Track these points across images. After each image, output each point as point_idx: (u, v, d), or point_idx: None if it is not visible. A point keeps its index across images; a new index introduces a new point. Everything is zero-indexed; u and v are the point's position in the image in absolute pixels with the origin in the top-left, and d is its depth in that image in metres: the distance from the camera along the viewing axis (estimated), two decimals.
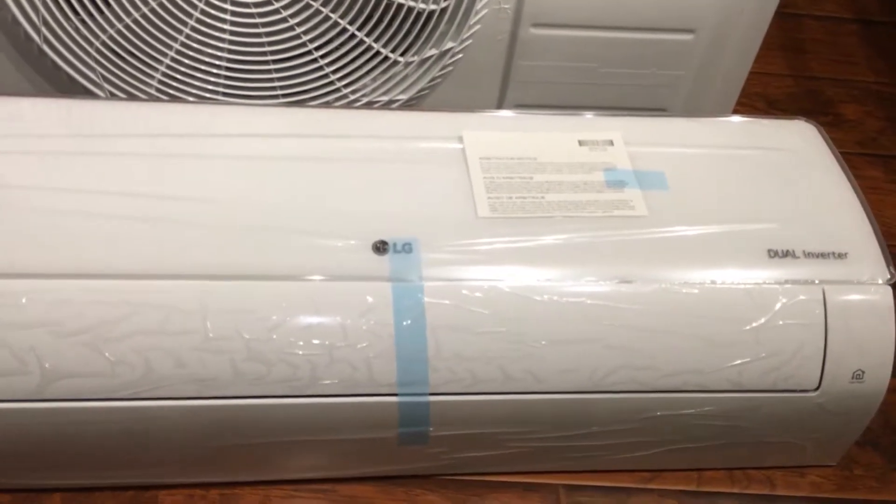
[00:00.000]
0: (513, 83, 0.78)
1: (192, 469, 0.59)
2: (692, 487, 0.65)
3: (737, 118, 0.72)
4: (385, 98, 0.76)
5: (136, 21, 0.68)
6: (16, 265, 0.53)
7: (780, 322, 0.58)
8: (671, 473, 0.65)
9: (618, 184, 0.63)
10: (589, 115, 0.69)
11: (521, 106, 0.80)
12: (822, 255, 0.60)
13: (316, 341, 0.54)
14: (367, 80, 0.75)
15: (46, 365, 0.51)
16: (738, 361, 0.58)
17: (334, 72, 0.74)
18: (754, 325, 0.58)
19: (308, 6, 0.69)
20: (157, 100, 0.72)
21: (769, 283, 0.59)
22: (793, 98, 1.05)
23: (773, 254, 0.60)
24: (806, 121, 0.71)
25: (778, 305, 0.59)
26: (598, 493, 0.64)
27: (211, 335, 0.53)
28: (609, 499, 0.64)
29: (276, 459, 0.59)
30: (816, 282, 0.59)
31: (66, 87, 0.72)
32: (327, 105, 0.74)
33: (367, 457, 0.60)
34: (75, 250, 0.54)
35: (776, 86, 1.06)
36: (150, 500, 0.60)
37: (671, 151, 0.66)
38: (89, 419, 0.53)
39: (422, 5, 0.70)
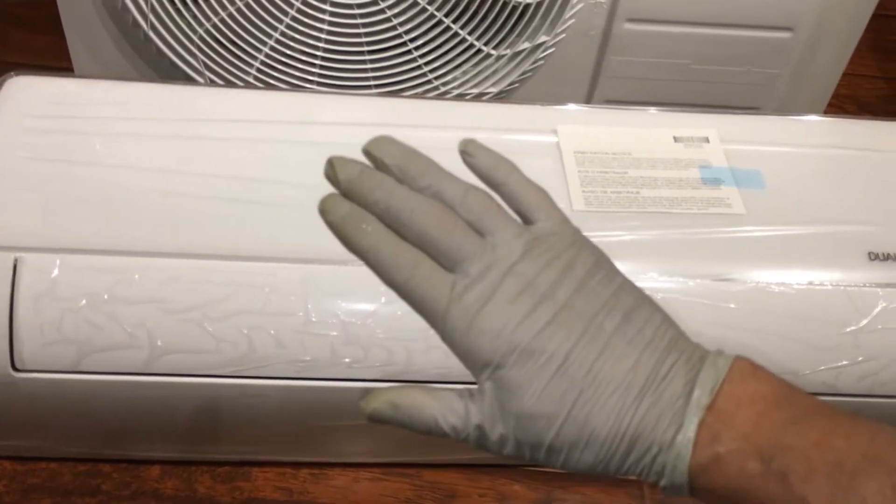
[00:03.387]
0: (603, 78, 0.78)
1: (285, 448, 0.61)
2: None
3: (833, 118, 0.71)
4: (475, 91, 0.76)
5: (238, 10, 0.70)
6: (129, 243, 0.54)
7: (880, 326, 0.57)
8: None
9: (714, 181, 0.62)
10: (683, 112, 0.69)
11: (610, 101, 0.80)
12: None
13: (412, 327, 0.55)
14: (458, 72, 0.76)
15: (157, 341, 0.53)
16: (835, 364, 0.57)
17: (427, 63, 0.74)
18: (853, 328, 0.57)
19: (414, 4, 0.70)
20: (256, 87, 0.73)
21: (869, 286, 0.58)
22: (884, 100, 1.02)
23: (874, 256, 0.59)
24: None
25: (877, 309, 0.57)
26: None
27: (312, 318, 0.54)
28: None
29: (365, 442, 0.61)
30: None
31: (168, 73, 0.74)
32: (420, 96, 0.75)
33: (455, 444, 0.61)
34: (184, 231, 0.56)
35: (867, 88, 1.04)
36: (243, 475, 0.61)
37: (768, 150, 0.65)
38: (192, 394, 0.55)
39: None
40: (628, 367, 0.31)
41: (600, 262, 0.34)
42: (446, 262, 0.33)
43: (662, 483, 0.32)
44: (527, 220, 0.35)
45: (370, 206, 0.33)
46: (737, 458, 0.30)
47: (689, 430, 0.30)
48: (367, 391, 0.34)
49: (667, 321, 0.34)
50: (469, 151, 0.37)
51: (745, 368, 0.32)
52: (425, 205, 0.33)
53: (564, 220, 0.35)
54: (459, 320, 0.32)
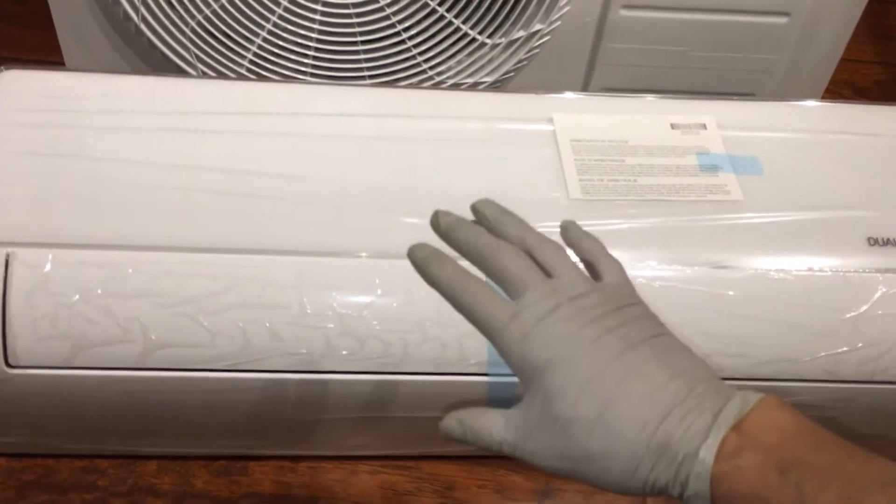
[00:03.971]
0: (599, 66, 0.77)
1: (283, 441, 0.60)
2: None
3: (831, 103, 0.71)
4: (470, 80, 0.76)
5: (230, 1, 0.70)
6: (122, 237, 0.54)
7: (880, 311, 0.57)
8: None
9: (712, 168, 0.62)
10: (680, 99, 0.68)
11: (606, 89, 0.79)
12: None
13: (408, 319, 0.55)
14: (452, 62, 0.75)
15: (151, 335, 0.52)
16: (835, 351, 0.57)
17: (421, 53, 0.74)
18: (852, 313, 0.57)
19: None
20: (249, 79, 0.73)
21: (869, 272, 0.58)
22: (881, 86, 1.02)
23: (874, 241, 0.59)
24: None
25: (877, 294, 0.57)
26: None
27: (307, 310, 0.54)
28: None
29: (363, 435, 0.60)
30: None
31: (160, 65, 0.74)
32: (415, 86, 0.75)
33: None
34: (178, 224, 0.55)
35: (864, 73, 1.03)
36: (240, 470, 0.61)
37: (765, 136, 0.65)
38: (188, 388, 0.54)
39: None
40: (659, 386, 0.35)
41: (649, 314, 0.39)
42: (513, 293, 0.38)
43: (686, 494, 0.34)
44: (596, 278, 0.40)
45: (459, 246, 0.40)
46: (757, 468, 0.32)
47: (714, 442, 0.33)
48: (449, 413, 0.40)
49: (704, 366, 0.37)
50: (566, 227, 0.43)
51: (774, 402, 0.35)
52: (504, 246, 0.39)
53: (624, 281, 0.40)
54: (515, 333, 0.36)
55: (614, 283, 0.39)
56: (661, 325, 0.38)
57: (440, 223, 0.40)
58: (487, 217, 0.41)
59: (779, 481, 0.32)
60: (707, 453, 0.33)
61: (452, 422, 0.39)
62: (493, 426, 0.37)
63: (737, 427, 0.33)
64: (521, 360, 0.36)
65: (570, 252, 0.41)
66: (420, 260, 0.39)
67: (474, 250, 0.39)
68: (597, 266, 0.41)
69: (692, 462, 0.33)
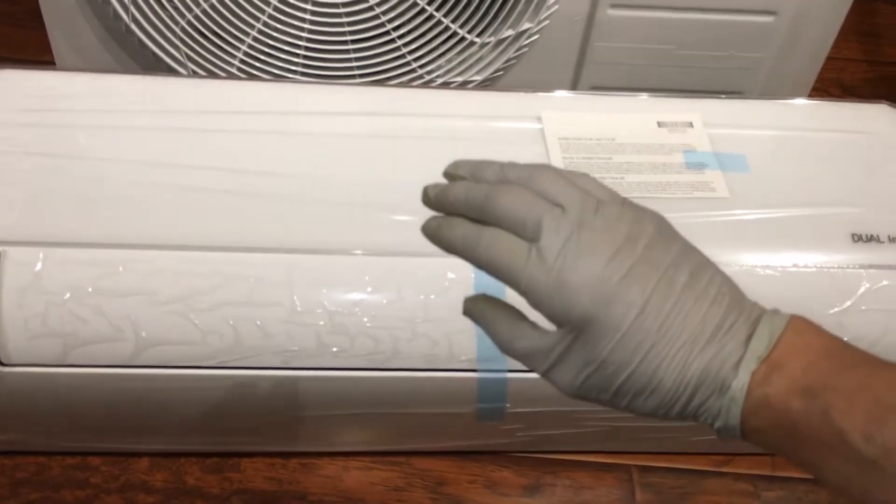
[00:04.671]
0: (588, 65, 0.78)
1: (274, 438, 0.61)
2: (766, 472, 0.65)
3: (817, 101, 0.71)
4: (459, 79, 0.76)
5: (220, 0, 0.70)
6: (113, 236, 0.54)
7: (864, 307, 0.58)
8: (745, 457, 0.65)
9: (698, 165, 0.62)
10: (667, 97, 0.69)
11: (595, 88, 0.80)
12: None
13: (398, 316, 0.55)
14: (442, 61, 0.76)
15: (141, 333, 0.53)
16: None
17: (411, 52, 0.74)
18: (836, 309, 0.58)
19: None
20: (240, 78, 0.73)
21: (853, 268, 0.58)
22: (868, 83, 1.03)
23: (857, 238, 0.59)
24: (888, 104, 0.70)
25: (861, 290, 0.58)
26: (672, 475, 0.64)
27: (298, 308, 0.54)
28: (682, 481, 0.64)
29: (354, 431, 0.61)
30: None
31: (150, 64, 0.74)
32: (404, 85, 0.75)
33: (443, 431, 0.61)
34: (169, 222, 0.55)
35: (851, 71, 1.04)
36: (232, 466, 0.61)
37: (752, 134, 0.66)
38: (179, 386, 0.55)
39: None
40: (696, 323, 0.34)
41: (662, 222, 0.37)
42: (525, 232, 0.35)
43: (717, 425, 0.34)
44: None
45: (454, 207, 0.37)
46: (783, 397, 0.33)
47: (744, 377, 0.33)
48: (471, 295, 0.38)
49: (727, 281, 0.36)
50: (507, 172, 0.39)
51: (800, 325, 0.35)
52: (495, 187, 0.36)
53: (616, 192, 0.38)
54: (539, 278, 0.34)
55: (607, 197, 0.37)
56: (672, 228, 0.37)
57: (430, 196, 0.38)
58: (464, 174, 0.39)
59: (805, 408, 0.32)
60: (738, 389, 0.33)
61: (474, 306, 0.38)
62: (522, 336, 0.36)
63: (767, 357, 0.33)
64: (552, 306, 0.34)
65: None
66: (433, 230, 0.38)
67: (470, 204, 0.37)
68: (576, 184, 0.38)
69: (723, 398, 0.33)
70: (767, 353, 0.33)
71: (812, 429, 0.32)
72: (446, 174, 0.39)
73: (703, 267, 0.35)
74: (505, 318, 0.37)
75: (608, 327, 0.33)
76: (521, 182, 0.36)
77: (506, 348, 0.37)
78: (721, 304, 0.34)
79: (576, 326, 0.34)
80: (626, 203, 0.37)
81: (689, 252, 0.36)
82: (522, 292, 0.35)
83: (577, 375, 0.35)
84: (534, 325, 0.36)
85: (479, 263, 0.36)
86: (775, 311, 0.35)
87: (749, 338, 0.34)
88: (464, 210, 0.37)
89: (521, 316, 0.37)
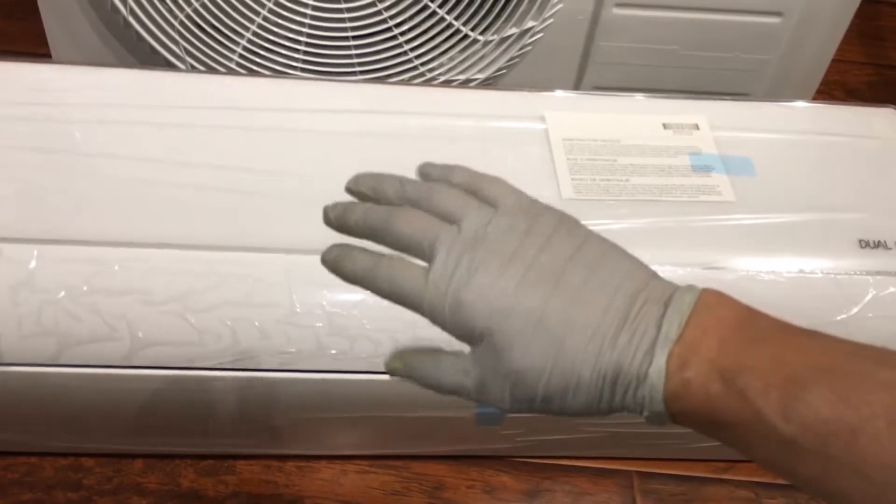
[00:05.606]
0: (591, 64, 0.77)
1: (271, 441, 0.60)
2: (767, 479, 0.64)
3: (823, 104, 0.71)
4: (462, 77, 0.75)
5: None
6: (109, 234, 0.53)
7: (870, 314, 0.57)
8: (746, 464, 0.64)
9: (704, 168, 0.62)
10: (673, 98, 0.68)
11: (598, 88, 0.79)
12: None
13: (398, 318, 0.54)
14: (444, 58, 0.75)
15: (138, 333, 0.52)
16: None
17: (413, 49, 0.73)
18: (843, 316, 0.57)
19: None
20: (239, 73, 0.72)
21: (860, 274, 0.58)
22: (872, 87, 1.02)
23: (865, 244, 0.59)
24: (895, 109, 0.69)
25: (868, 297, 0.57)
26: (672, 482, 0.63)
27: (297, 308, 0.53)
28: (683, 487, 0.63)
29: (352, 434, 0.60)
30: None
31: (148, 59, 0.73)
32: (406, 82, 0.74)
33: (442, 435, 0.60)
34: (165, 220, 0.54)
35: (855, 74, 1.03)
36: (228, 469, 0.60)
37: (758, 137, 0.65)
38: (175, 387, 0.54)
39: None
40: (602, 312, 0.34)
41: (562, 220, 0.37)
42: (422, 255, 0.36)
43: (645, 414, 0.34)
44: (490, 205, 0.38)
45: (354, 231, 0.38)
46: (702, 382, 0.32)
47: (660, 361, 0.33)
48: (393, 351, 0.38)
49: (635, 266, 0.36)
50: (425, 172, 0.40)
51: (711, 299, 0.34)
52: (393, 211, 0.37)
53: (521, 196, 0.38)
54: (437, 301, 0.35)
55: (511, 204, 0.37)
56: (576, 225, 0.37)
57: (330, 217, 0.39)
58: (365, 192, 0.39)
59: (724, 392, 0.32)
60: (656, 374, 0.33)
61: (396, 363, 0.37)
62: (447, 374, 0.36)
63: (680, 339, 0.33)
64: (454, 328, 0.35)
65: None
66: (332, 263, 0.38)
67: (369, 228, 0.37)
68: (480, 191, 0.38)
69: (644, 386, 0.33)
70: (679, 333, 0.33)
71: (733, 412, 0.32)
72: (348, 190, 0.39)
73: (605, 256, 0.35)
74: (426, 362, 0.37)
75: (511, 337, 0.34)
76: (419, 201, 0.37)
77: (440, 391, 0.36)
78: (627, 292, 0.34)
79: (483, 343, 0.34)
80: (528, 208, 0.37)
81: (590, 244, 0.36)
82: (427, 317, 0.36)
83: (502, 391, 0.35)
84: (456, 354, 0.36)
85: (382, 294, 0.36)
86: (688, 288, 0.35)
87: (660, 320, 0.33)
88: (363, 233, 0.37)
89: (440, 352, 0.37)
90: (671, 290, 0.34)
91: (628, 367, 0.33)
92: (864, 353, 0.32)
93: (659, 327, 0.33)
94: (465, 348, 0.35)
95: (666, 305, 0.34)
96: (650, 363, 0.33)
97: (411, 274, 0.35)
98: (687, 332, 0.33)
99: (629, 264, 0.35)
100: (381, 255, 0.36)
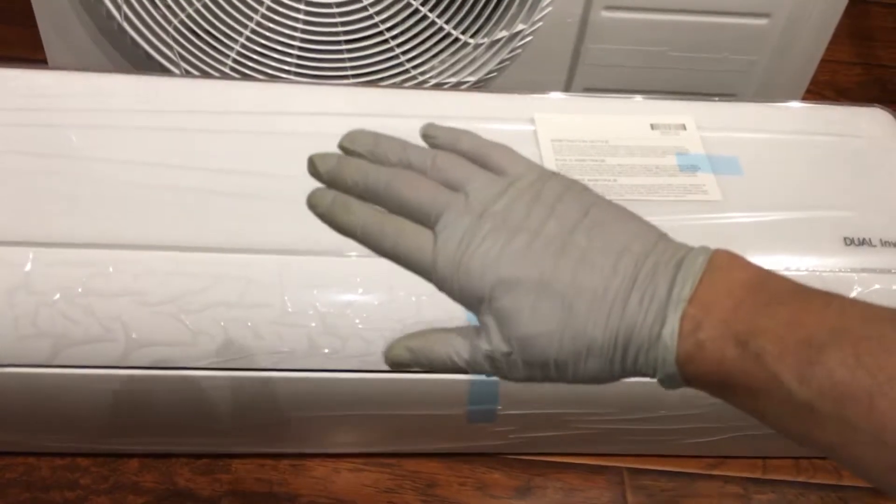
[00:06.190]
0: (581, 66, 0.78)
1: (265, 439, 0.61)
2: (757, 475, 0.65)
3: (811, 104, 0.71)
4: (452, 80, 0.76)
5: (213, 0, 0.70)
6: (104, 236, 0.54)
7: None
8: (736, 460, 0.65)
9: (691, 168, 0.62)
10: (660, 99, 0.69)
11: (588, 89, 0.80)
12: None
13: (390, 317, 0.55)
14: (435, 61, 0.75)
15: (132, 334, 0.52)
16: None
17: (404, 53, 0.74)
18: None
19: None
20: (233, 78, 0.73)
21: (844, 271, 0.58)
22: (862, 86, 1.03)
23: (849, 241, 0.60)
24: (881, 108, 0.70)
25: (853, 294, 0.58)
26: (663, 478, 0.64)
27: (289, 309, 0.54)
28: (673, 483, 0.64)
29: (346, 432, 0.60)
30: (893, 270, 0.58)
31: (143, 63, 0.74)
32: (398, 85, 0.75)
33: (434, 433, 0.61)
34: (159, 223, 0.55)
35: (845, 74, 1.04)
36: (223, 467, 0.61)
37: (745, 136, 0.66)
38: (170, 387, 0.55)
39: None
40: (608, 273, 0.33)
41: (570, 186, 0.36)
42: (427, 221, 0.35)
43: (658, 377, 0.33)
44: (497, 174, 0.37)
45: (351, 190, 0.36)
46: (717, 344, 0.32)
47: (673, 323, 0.32)
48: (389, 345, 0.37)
49: (643, 228, 0.35)
50: (430, 134, 0.39)
51: (723, 260, 0.33)
52: (398, 175, 0.36)
53: (530, 164, 0.37)
54: (446, 268, 0.34)
55: (518, 173, 0.36)
56: (583, 189, 0.36)
57: (319, 169, 0.37)
58: (363, 152, 0.37)
59: (739, 355, 0.31)
60: (668, 336, 0.32)
61: (399, 350, 0.36)
62: (454, 352, 0.35)
63: (693, 299, 0.32)
64: (462, 295, 0.34)
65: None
66: (325, 211, 0.36)
67: (366, 189, 0.36)
68: (487, 161, 0.37)
69: (657, 348, 0.32)
70: (692, 292, 0.32)
71: (748, 375, 0.31)
72: (341, 147, 0.38)
73: (613, 220, 0.35)
74: (435, 343, 0.36)
75: (519, 302, 0.33)
76: (423, 167, 0.36)
77: (451, 370, 0.35)
78: (634, 253, 0.33)
79: (492, 311, 0.34)
80: (536, 175, 0.36)
81: (596, 209, 0.35)
82: (434, 283, 0.35)
83: (515, 360, 0.34)
84: (461, 329, 0.35)
85: (384, 254, 0.36)
86: (700, 249, 0.34)
87: (671, 280, 0.32)
88: (360, 193, 0.36)
89: (445, 330, 0.36)
90: (683, 251, 0.34)
91: (640, 328, 0.32)
92: (882, 315, 0.31)
93: (670, 288, 0.32)
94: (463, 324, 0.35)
95: (677, 266, 0.33)
96: (662, 324, 0.32)
97: (420, 239, 0.35)
98: (699, 293, 0.32)
99: (637, 226, 0.35)
100: (384, 212, 0.35)
